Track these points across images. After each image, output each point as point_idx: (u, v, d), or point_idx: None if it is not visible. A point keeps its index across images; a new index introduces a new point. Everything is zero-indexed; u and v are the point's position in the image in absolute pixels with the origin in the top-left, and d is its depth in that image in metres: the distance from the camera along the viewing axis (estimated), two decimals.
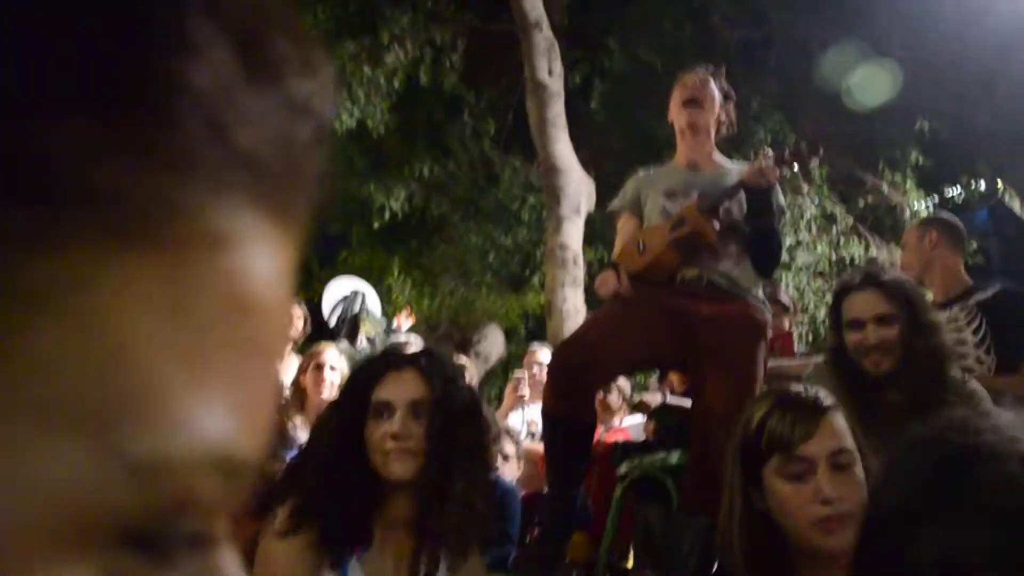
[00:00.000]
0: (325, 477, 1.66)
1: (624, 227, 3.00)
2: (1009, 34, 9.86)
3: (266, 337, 0.25)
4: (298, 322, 4.55)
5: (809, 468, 1.48)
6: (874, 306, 2.37)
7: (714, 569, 1.94)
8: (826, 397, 1.57)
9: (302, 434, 3.49)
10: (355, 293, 5.75)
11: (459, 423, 1.77)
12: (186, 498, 0.22)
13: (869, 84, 9.62)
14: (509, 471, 3.79)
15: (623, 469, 3.14)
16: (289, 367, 4.28)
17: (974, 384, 2.50)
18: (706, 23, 10.82)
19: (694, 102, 2.91)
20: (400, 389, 1.73)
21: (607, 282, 2.79)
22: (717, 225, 2.75)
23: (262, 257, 0.24)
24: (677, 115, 2.98)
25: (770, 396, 1.62)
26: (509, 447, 3.81)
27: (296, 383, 3.77)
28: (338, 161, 11.70)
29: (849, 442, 1.53)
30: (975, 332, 3.08)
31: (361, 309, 5.59)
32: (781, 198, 2.91)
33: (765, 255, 2.85)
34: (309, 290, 9.56)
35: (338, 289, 6.02)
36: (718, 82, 3.00)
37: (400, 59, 9.91)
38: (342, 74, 9.66)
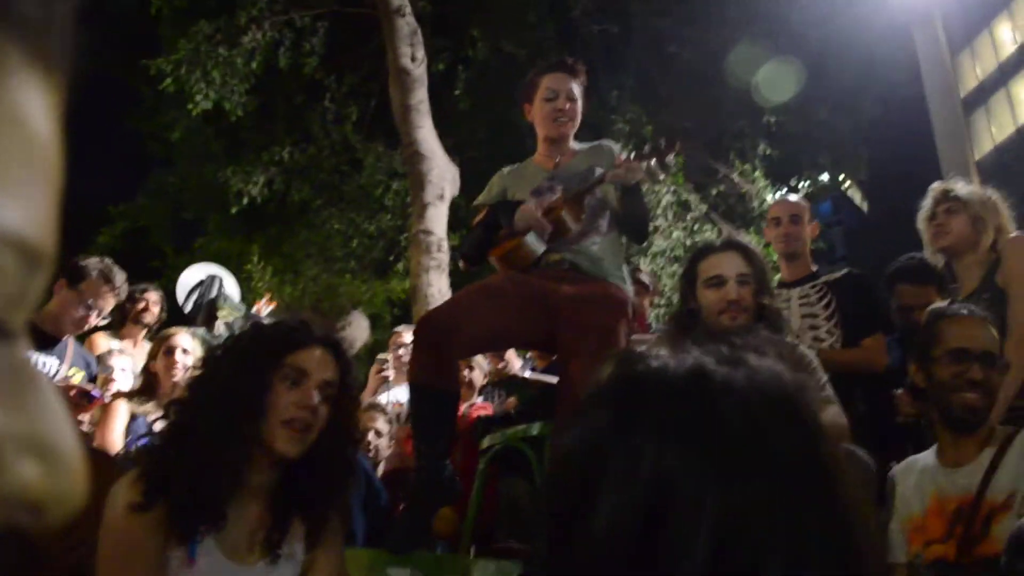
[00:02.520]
0: (200, 443, 1.59)
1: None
2: (853, 32, 10.57)
3: (43, 156, 0.31)
4: (154, 308, 4.37)
5: None
6: (736, 265, 2.55)
7: None
8: None
9: (153, 419, 3.37)
10: (212, 278, 5.51)
11: (349, 411, 1.80)
12: None
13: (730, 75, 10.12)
14: (382, 447, 3.78)
15: (486, 443, 3.19)
16: (141, 353, 4.11)
17: (804, 349, 2.70)
18: (567, 16, 11.05)
19: (559, 96, 2.99)
20: (316, 364, 1.71)
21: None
22: (582, 214, 2.86)
23: (32, 89, 0.31)
24: (541, 110, 3.04)
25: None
26: (382, 424, 3.80)
27: (147, 369, 3.62)
28: (193, 145, 11.26)
29: None
30: (825, 307, 3.32)
31: (218, 295, 5.37)
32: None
33: (637, 230, 3.04)
34: (163, 278, 9.18)
35: (193, 275, 5.75)
36: (580, 76, 3.08)
37: (258, 41, 9.63)
38: (197, 55, 9.30)
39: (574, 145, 3.12)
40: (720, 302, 2.52)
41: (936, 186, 3.22)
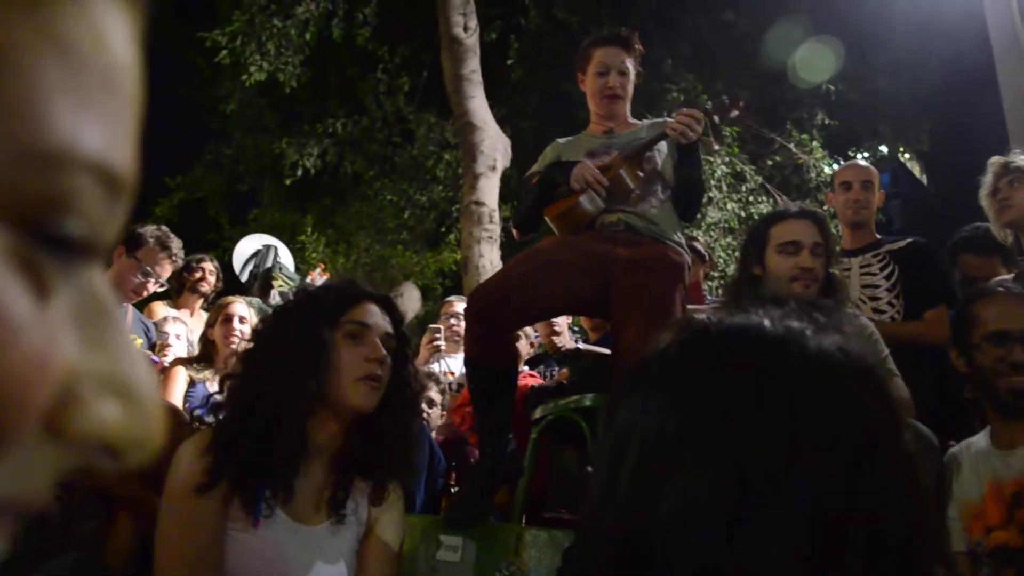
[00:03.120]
0: (266, 410, 1.58)
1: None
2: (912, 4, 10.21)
3: (124, 82, 0.31)
4: (210, 277, 4.44)
5: None
6: (812, 234, 2.50)
7: None
8: None
9: (212, 387, 3.43)
10: (267, 248, 5.58)
11: (408, 365, 1.80)
12: (73, 194, 0.28)
13: (780, 46, 9.87)
14: (434, 417, 3.81)
15: (538, 413, 3.18)
16: (198, 322, 4.18)
17: (864, 320, 2.63)
18: None
19: (611, 72, 2.95)
20: (375, 318, 1.73)
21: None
22: (640, 173, 2.80)
23: (113, 13, 0.30)
24: (592, 85, 3.00)
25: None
26: (435, 394, 3.82)
27: (205, 337, 3.69)
28: (248, 117, 11.38)
29: None
30: (887, 278, 3.23)
31: (274, 264, 5.45)
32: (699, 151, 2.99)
33: (690, 202, 2.94)
34: (219, 249, 9.34)
35: (249, 245, 5.84)
36: (633, 49, 3.02)
37: (312, 11, 9.65)
38: (251, 26, 9.36)
39: (633, 120, 3.08)
40: (793, 269, 2.47)
41: (996, 160, 3.12)
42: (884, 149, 14.26)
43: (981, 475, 2.08)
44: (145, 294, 3.74)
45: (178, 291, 4.40)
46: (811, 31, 9.83)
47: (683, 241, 2.86)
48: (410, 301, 8.96)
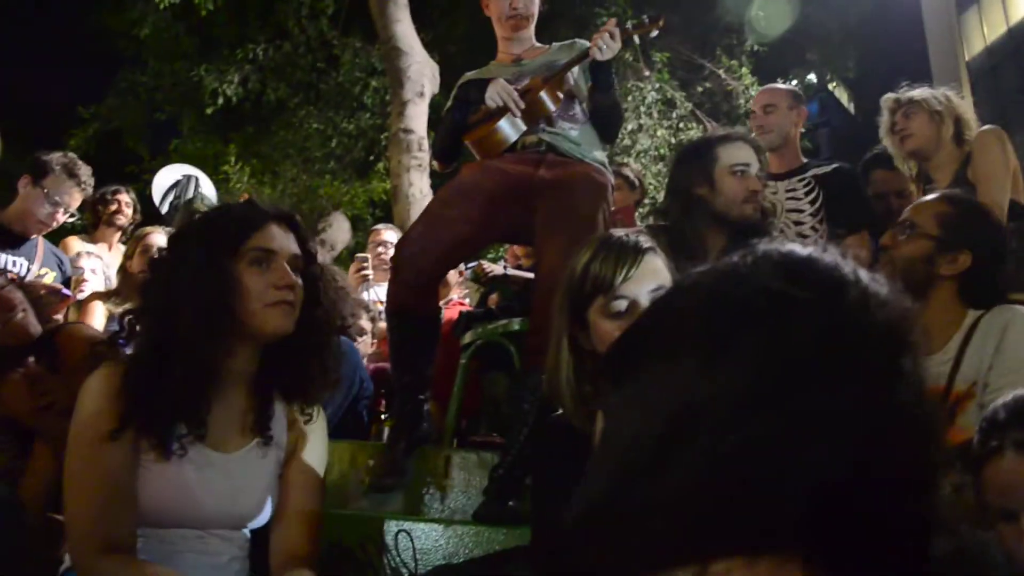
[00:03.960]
0: (179, 350, 1.50)
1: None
2: None
3: None
4: (127, 209, 4.27)
5: (632, 305, 1.54)
6: (756, 158, 2.53)
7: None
8: (645, 239, 1.62)
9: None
10: (187, 178, 5.39)
11: (318, 282, 1.74)
12: None
13: None
14: (365, 345, 3.77)
15: (467, 338, 3.18)
16: (117, 256, 4.04)
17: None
18: None
19: (513, 8, 2.88)
20: (280, 241, 1.65)
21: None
22: (560, 95, 2.75)
23: None
24: (497, 7, 2.92)
25: (593, 242, 1.65)
26: (366, 322, 3.77)
27: (123, 268, 3.57)
28: (163, 42, 10.87)
29: (668, 279, 1.58)
30: (812, 203, 3.28)
31: (195, 195, 5.28)
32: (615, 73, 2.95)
33: (609, 123, 2.90)
34: (140, 182, 8.99)
35: (169, 176, 5.63)
36: None
37: None
38: None
39: (539, 45, 3.02)
40: (745, 191, 2.48)
41: (888, 96, 3.25)
42: (813, 77, 14.42)
43: None
44: (55, 224, 3.58)
45: (94, 225, 4.23)
46: None
47: (606, 161, 2.84)
48: (339, 232, 8.85)
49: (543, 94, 2.72)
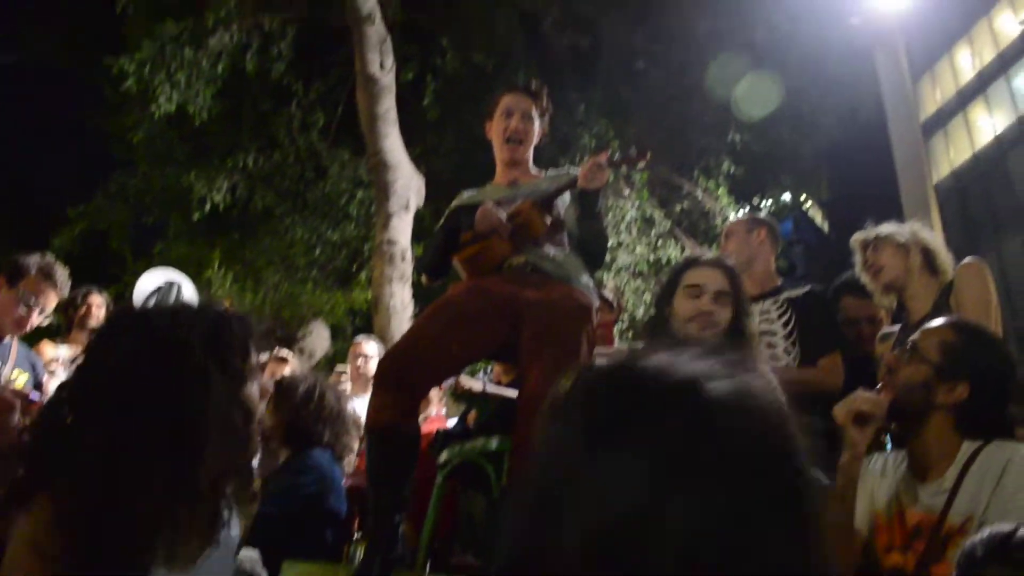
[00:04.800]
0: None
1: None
2: (816, 55, 10.74)
3: None
4: (98, 311, 4.24)
5: None
6: (718, 282, 2.57)
7: None
8: None
9: None
10: (170, 284, 5.39)
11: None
12: None
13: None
14: (349, 463, 3.66)
15: (444, 457, 3.13)
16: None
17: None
18: (537, 29, 11.08)
19: (515, 115, 2.99)
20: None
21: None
22: (548, 220, 2.82)
23: None
24: (497, 128, 3.04)
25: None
26: (354, 441, 3.67)
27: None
28: (156, 147, 11.07)
29: None
30: (784, 325, 3.32)
31: (176, 301, 5.27)
32: (603, 200, 3.03)
33: (594, 253, 2.96)
34: (121, 283, 8.99)
35: (151, 280, 5.63)
36: (540, 101, 3.07)
37: (225, 43, 9.50)
38: (162, 56, 9.16)
39: (534, 170, 3.11)
40: (693, 310, 2.52)
41: (856, 236, 3.33)
42: (787, 197, 14.84)
43: (895, 493, 2.13)
44: (30, 327, 3.54)
45: (67, 328, 4.20)
46: (725, 83, 10.23)
47: (591, 284, 2.88)
48: (319, 340, 8.84)
49: (531, 217, 2.78)
